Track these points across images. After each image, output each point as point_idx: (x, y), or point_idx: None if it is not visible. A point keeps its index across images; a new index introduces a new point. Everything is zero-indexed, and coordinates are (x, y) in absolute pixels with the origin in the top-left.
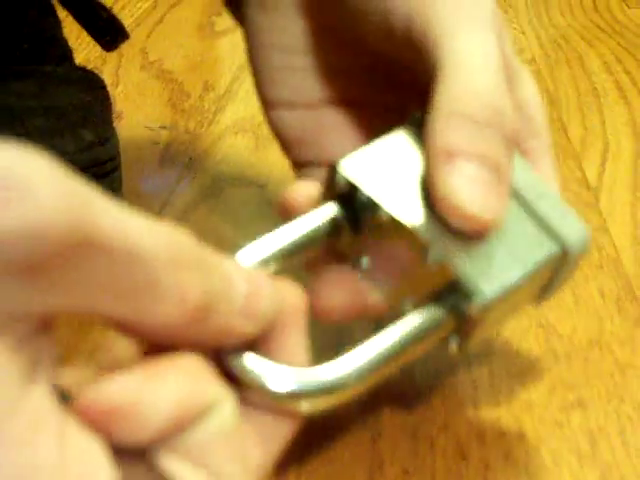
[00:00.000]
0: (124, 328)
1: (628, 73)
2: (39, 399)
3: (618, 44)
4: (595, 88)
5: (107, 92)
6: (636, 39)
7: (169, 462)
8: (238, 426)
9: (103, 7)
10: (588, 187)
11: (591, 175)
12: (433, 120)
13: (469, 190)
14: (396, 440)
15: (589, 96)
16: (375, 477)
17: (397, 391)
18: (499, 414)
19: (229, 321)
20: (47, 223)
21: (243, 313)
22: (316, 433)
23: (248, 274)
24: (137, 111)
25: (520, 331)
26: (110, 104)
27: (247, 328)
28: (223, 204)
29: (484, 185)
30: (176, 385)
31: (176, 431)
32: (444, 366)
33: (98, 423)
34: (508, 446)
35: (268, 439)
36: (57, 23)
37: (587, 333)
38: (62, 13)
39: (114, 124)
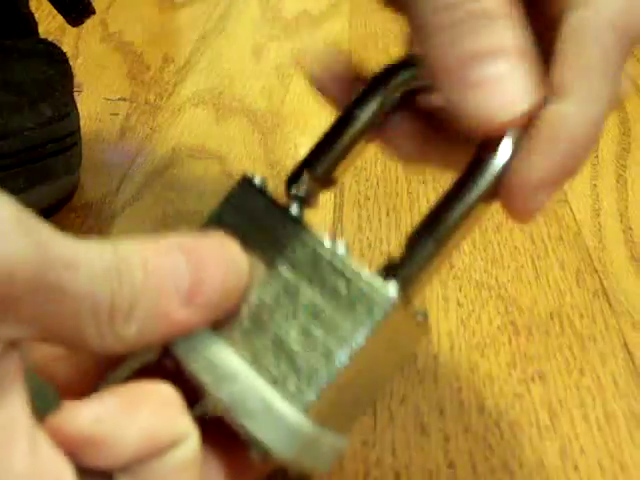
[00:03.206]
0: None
1: None
2: (12, 411)
3: None
4: None
5: (69, 66)
6: None
7: None
8: (200, 459)
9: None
10: None
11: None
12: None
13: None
14: None
15: None
16: None
17: None
18: (459, 386)
19: (176, 319)
20: (13, 269)
21: (190, 302)
22: None
23: (193, 250)
24: (97, 83)
25: (480, 303)
26: (72, 78)
27: (192, 317)
28: (183, 176)
29: (494, 82)
30: (148, 419)
31: (142, 461)
32: None
33: (67, 447)
34: (468, 419)
35: (236, 471)
36: None
37: (547, 305)
38: None
39: (74, 96)
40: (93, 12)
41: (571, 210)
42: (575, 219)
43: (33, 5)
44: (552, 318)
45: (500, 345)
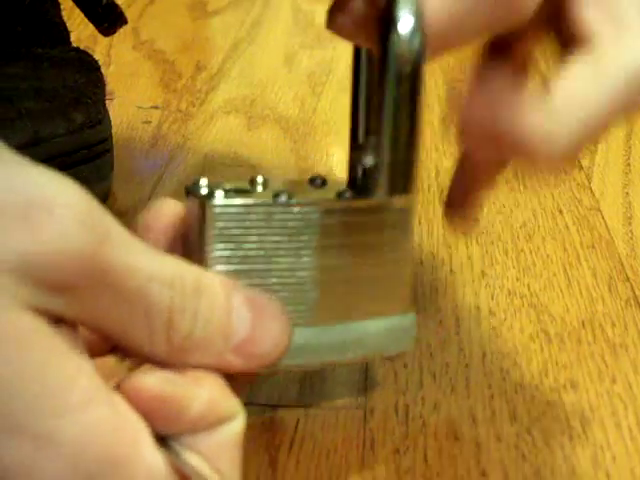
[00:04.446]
0: (115, 343)
1: None
2: (90, 374)
3: None
4: None
5: (101, 74)
6: None
7: (190, 457)
8: (243, 440)
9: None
10: (580, 167)
11: (583, 156)
12: None
13: None
14: (387, 420)
15: None
16: (367, 457)
17: (388, 371)
18: (491, 394)
19: (219, 358)
20: (66, 255)
21: (237, 350)
22: (308, 413)
23: (254, 308)
24: (129, 91)
25: (512, 311)
26: (104, 86)
27: (239, 366)
28: None
29: None
30: (210, 390)
31: (197, 431)
32: (436, 346)
33: (142, 407)
34: (500, 426)
35: None
36: (55, 6)
37: (579, 313)
38: None
39: (106, 104)
40: (125, 22)
41: (603, 218)
42: (607, 227)
43: (65, 14)
44: (584, 326)
45: (532, 353)
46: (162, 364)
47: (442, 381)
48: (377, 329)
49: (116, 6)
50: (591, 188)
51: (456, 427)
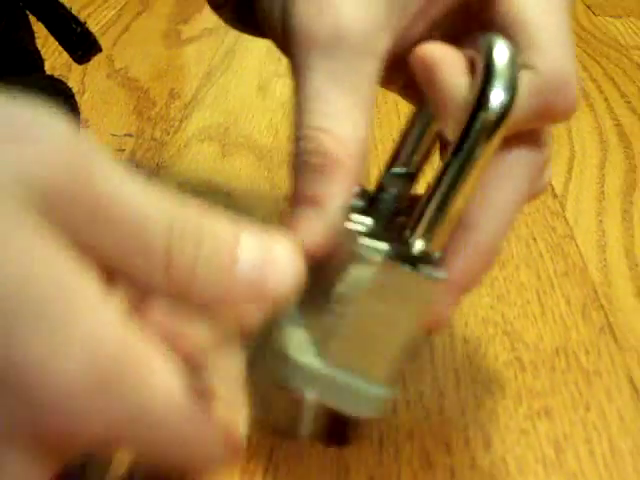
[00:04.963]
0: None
1: (594, 81)
2: (99, 284)
3: (584, 52)
4: None
5: (75, 102)
6: (602, 47)
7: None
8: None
9: (77, 21)
10: (554, 195)
11: (557, 183)
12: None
13: None
14: (362, 448)
15: None
16: None
17: None
18: (465, 422)
19: (223, 293)
20: (48, 172)
21: (243, 287)
22: (282, 440)
23: (262, 244)
24: (103, 119)
25: (486, 339)
26: (78, 114)
27: (246, 304)
28: None
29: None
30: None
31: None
32: (410, 374)
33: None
34: (474, 455)
35: None
36: (30, 35)
37: (553, 341)
38: (36, 23)
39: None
40: (100, 50)
41: (577, 246)
42: (581, 255)
43: (39, 42)
44: (558, 354)
45: (506, 381)
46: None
47: (416, 409)
48: (365, 389)
49: (90, 34)
50: (565, 216)
51: (430, 455)
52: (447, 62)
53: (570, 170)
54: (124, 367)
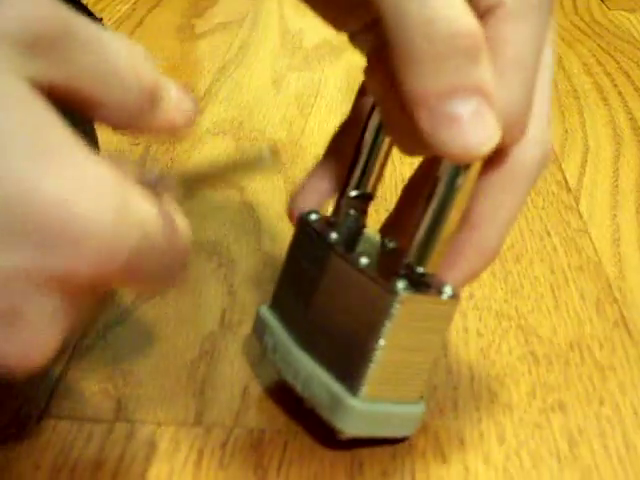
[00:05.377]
0: (96, 110)
1: (608, 75)
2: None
3: (598, 46)
4: (575, 90)
5: None
6: (616, 41)
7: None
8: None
9: (94, 17)
10: (568, 189)
11: (571, 177)
12: (398, 69)
13: (455, 131)
14: (375, 442)
15: (569, 98)
16: (355, 479)
17: None
18: (479, 416)
19: (171, 115)
20: (33, 16)
21: (178, 112)
22: (297, 433)
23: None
24: None
25: (500, 333)
26: None
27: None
28: (202, 206)
29: (469, 120)
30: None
31: None
32: None
33: None
34: (488, 449)
35: None
36: None
37: (567, 335)
38: None
39: (94, 125)
40: None
41: (591, 240)
42: (595, 249)
43: None
44: (572, 348)
45: (520, 375)
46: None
47: (430, 403)
48: (404, 412)
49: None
50: (579, 210)
51: (444, 449)
52: None
53: (584, 164)
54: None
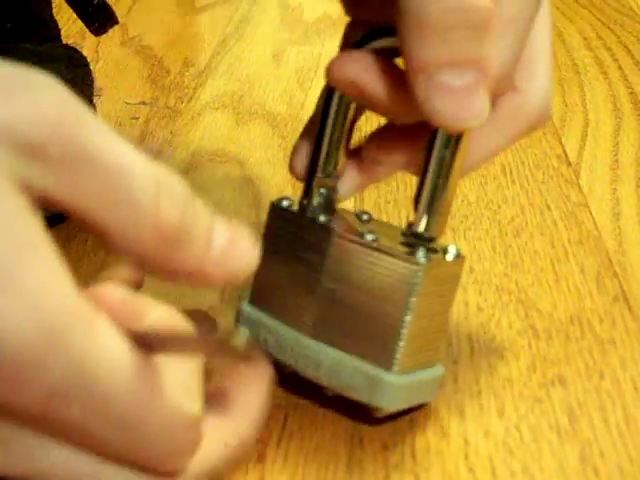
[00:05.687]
0: (105, 239)
1: (608, 49)
2: (55, 250)
3: (598, 20)
4: (575, 64)
5: (89, 70)
6: (616, 15)
7: None
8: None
9: (109, 10)
10: (568, 163)
11: (571, 151)
12: (404, 37)
13: (448, 101)
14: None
15: (569, 72)
16: (355, 452)
17: None
18: (479, 390)
19: (199, 263)
20: (41, 119)
21: (215, 261)
22: (296, 407)
23: (230, 229)
24: (117, 87)
25: (500, 307)
26: (92, 82)
27: (215, 277)
28: (203, 179)
29: (462, 92)
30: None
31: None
32: None
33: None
34: (488, 422)
35: None
36: (46, 4)
37: (567, 309)
38: None
39: (94, 100)
40: (116, 22)
41: (591, 214)
42: (595, 223)
43: (54, 11)
44: (572, 322)
45: (520, 349)
46: (143, 263)
47: None
48: (428, 377)
49: (107, 6)
50: (579, 184)
51: (444, 423)
52: None
53: (584, 138)
54: (72, 323)
